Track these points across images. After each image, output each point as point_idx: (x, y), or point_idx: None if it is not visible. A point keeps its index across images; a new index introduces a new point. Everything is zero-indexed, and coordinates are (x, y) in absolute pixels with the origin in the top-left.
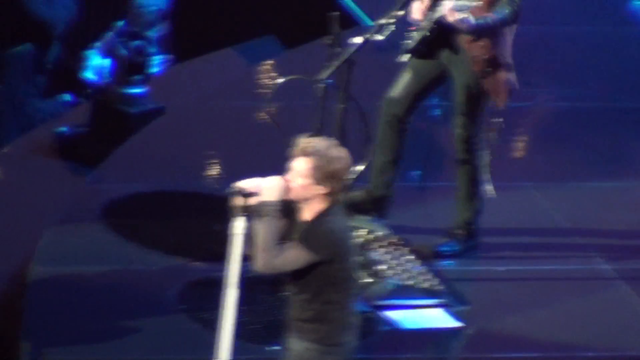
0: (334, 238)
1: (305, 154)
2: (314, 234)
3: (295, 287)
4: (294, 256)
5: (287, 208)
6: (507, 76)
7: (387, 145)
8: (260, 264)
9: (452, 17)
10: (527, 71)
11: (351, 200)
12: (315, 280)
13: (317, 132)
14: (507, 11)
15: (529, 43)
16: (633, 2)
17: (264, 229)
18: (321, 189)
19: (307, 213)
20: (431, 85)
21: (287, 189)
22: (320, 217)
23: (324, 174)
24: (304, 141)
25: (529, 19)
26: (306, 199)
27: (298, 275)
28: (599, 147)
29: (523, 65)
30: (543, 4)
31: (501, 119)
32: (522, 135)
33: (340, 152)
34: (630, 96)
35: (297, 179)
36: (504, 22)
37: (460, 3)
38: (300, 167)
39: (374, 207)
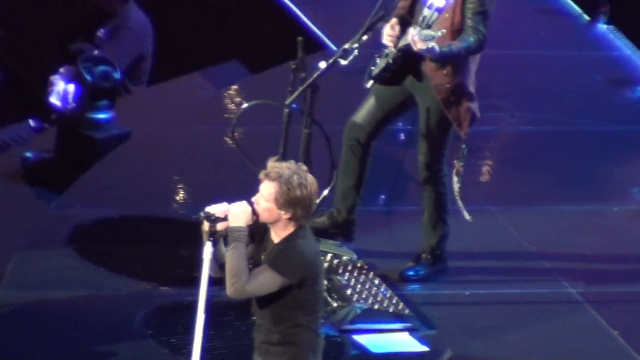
0: (305, 261)
1: (270, 178)
2: (284, 257)
3: (262, 310)
4: (265, 281)
5: (257, 229)
6: (469, 105)
7: (350, 170)
8: (232, 290)
9: (419, 46)
10: (492, 95)
11: (315, 225)
12: (284, 303)
13: (282, 157)
14: (472, 40)
15: (494, 67)
16: (597, 26)
17: (233, 255)
18: (284, 214)
19: (276, 235)
20: (395, 111)
21: (255, 213)
22: (290, 240)
23: (286, 200)
24: (271, 165)
25: (494, 43)
26: (272, 222)
27: (266, 298)
28: (564, 170)
29: (488, 89)
30: (508, 28)
31: (465, 145)
32: (487, 159)
33: (305, 179)
34: (594, 119)
35: (262, 202)
36: (469, 51)
37: (425, 32)
38: (264, 191)
39: (338, 231)
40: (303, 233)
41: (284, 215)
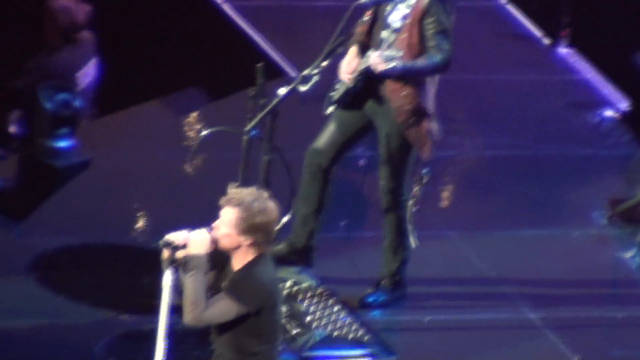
0: (263, 289)
1: (231, 204)
2: (242, 285)
3: (221, 338)
4: (223, 309)
5: (218, 256)
6: (430, 127)
7: (311, 196)
8: (189, 318)
9: (381, 67)
10: (453, 120)
11: (275, 251)
12: (242, 331)
13: (241, 184)
14: (438, 58)
15: (453, 91)
16: (558, 50)
17: (192, 283)
18: (244, 240)
19: (236, 262)
20: (356, 136)
21: (215, 240)
22: (249, 267)
23: (247, 226)
24: (232, 191)
25: (453, 68)
26: (233, 249)
27: (224, 326)
28: (524, 195)
29: (448, 113)
30: (467, 52)
31: (426, 170)
32: (447, 184)
33: (266, 205)
34: (555, 143)
35: (222, 228)
36: (435, 69)
37: (386, 53)
38: (225, 217)
39: (298, 258)
40: (263, 260)
41: (245, 241)
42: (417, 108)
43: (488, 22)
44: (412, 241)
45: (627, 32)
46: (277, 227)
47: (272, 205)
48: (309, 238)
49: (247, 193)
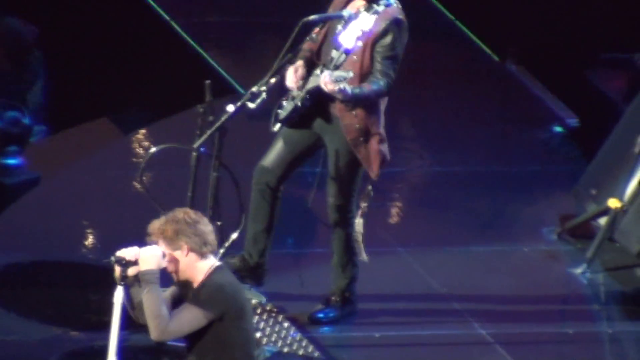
0: (223, 294)
1: (153, 237)
2: (203, 292)
3: (194, 354)
4: (186, 317)
5: (178, 282)
6: (379, 147)
7: (260, 214)
8: (156, 333)
9: (331, 87)
10: (401, 136)
11: (229, 264)
12: (213, 343)
13: (190, 201)
14: (382, 83)
15: (402, 107)
16: (507, 67)
17: (150, 298)
18: (181, 252)
19: (195, 281)
20: (304, 154)
21: (164, 257)
22: (207, 277)
23: (168, 239)
24: (149, 229)
25: (402, 83)
26: (185, 271)
27: (195, 340)
28: (473, 211)
29: (397, 130)
30: (416, 67)
31: (370, 187)
32: (396, 201)
33: (173, 213)
34: (504, 160)
35: (164, 260)
36: (379, 94)
37: (337, 74)
38: (160, 250)
39: (249, 275)
40: (219, 270)
41: (181, 253)
42: (366, 127)
43: (437, 38)
44: (363, 257)
45: (576, 49)
46: (208, 229)
47: (181, 210)
48: (260, 256)
49: (158, 220)
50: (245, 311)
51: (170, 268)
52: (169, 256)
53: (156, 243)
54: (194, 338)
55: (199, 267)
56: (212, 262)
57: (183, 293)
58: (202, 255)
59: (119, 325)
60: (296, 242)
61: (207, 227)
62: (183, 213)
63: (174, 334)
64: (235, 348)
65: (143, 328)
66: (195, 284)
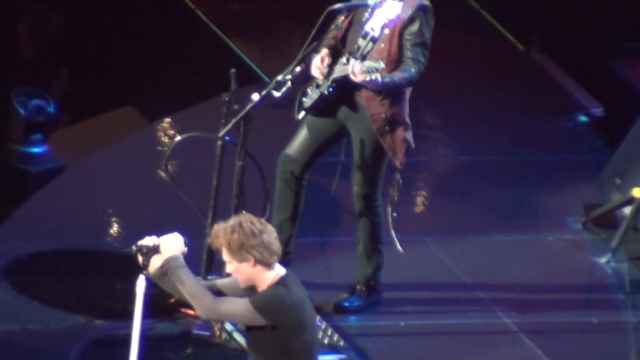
0: (282, 305)
1: (216, 244)
2: (263, 296)
3: (253, 352)
4: (238, 307)
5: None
6: (405, 135)
7: (285, 203)
8: (201, 310)
9: (362, 78)
10: (426, 125)
11: None
12: (269, 347)
13: (215, 190)
14: (413, 71)
15: (427, 96)
16: (531, 55)
17: (181, 280)
18: (247, 265)
19: (260, 288)
20: (328, 142)
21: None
22: (271, 286)
23: (234, 251)
24: (212, 234)
25: (428, 72)
26: (251, 280)
27: (252, 335)
28: (498, 200)
29: (421, 118)
30: (440, 57)
31: (399, 176)
32: (421, 190)
33: (239, 221)
34: (528, 149)
35: (229, 268)
36: (411, 82)
37: (368, 64)
38: (224, 257)
39: None
40: (287, 281)
41: (248, 264)
42: (393, 115)
43: (461, 26)
44: (398, 247)
45: (600, 38)
46: (273, 237)
47: (246, 219)
48: (285, 245)
49: (223, 223)
50: (306, 326)
51: (242, 280)
52: (235, 267)
53: (220, 251)
54: (251, 334)
55: (264, 277)
56: (278, 271)
57: (245, 291)
58: (269, 266)
59: (143, 314)
60: (321, 231)
61: (272, 236)
62: (249, 223)
63: (221, 315)
64: (291, 357)
65: (167, 317)
66: (259, 290)
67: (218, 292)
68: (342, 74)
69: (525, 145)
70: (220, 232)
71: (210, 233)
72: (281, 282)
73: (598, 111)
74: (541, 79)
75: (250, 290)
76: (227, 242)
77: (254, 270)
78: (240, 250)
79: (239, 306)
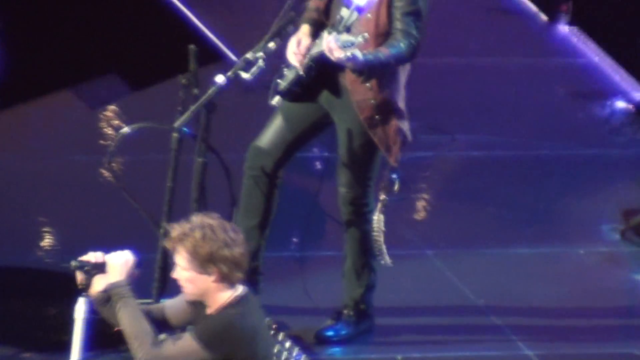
0: (232, 335)
1: (176, 242)
2: (209, 326)
3: None
4: (182, 347)
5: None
6: (399, 125)
7: (253, 206)
8: (141, 355)
9: (337, 55)
10: (430, 113)
11: None
12: None
13: (170, 192)
14: (402, 46)
15: (432, 78)
16: (557, 29)
17: (125, 316)
18: (208, 277)
19: (210, 308)
20: (308, 134)
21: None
22: (222, 309)
23: (200, 260)
24: (172, 228)
25: (431, 50)
26: (203, 295)
27: None
28: (517, 205)
29: (424, 105)
30: (448, 31)
31: (395, 175)
32: (423, 192)
33: (212, 228)
34: (555, 142)
35: (181, 275)
36: (400, 59)
37: (344, 38)
38: (178, 260)
39: None
40: (244, 302)
41: (209, 278)
42: (384, 102)
43: None
44: (386, 260)
45: None
46: (244, 250)
47: (221, 223)
48: (253, 258)
49: (189, 222)
50: (259, 358)
51: (191, 292)
52: (190, 276)
53: (174, 250)
54: None
55: (220, 296)
56: (235, 291)
57: (192, 310)
58: (231, 284)
59: (83, 345)
60: (299, 243)
61: (243, 248)
62: (223, 231)
63: (163, 359)
64: None
65: (111, 348)
66: (209, 311)
67: (164, 320)
68: (320, 50)
69: (550, 137)
70: (187, 234)
71: (170, 230)
72: (236, 304)
73: (639, 95)
74: (570, 57)
75: (194, 306)
76: (193, 248)
77: (212, 285)
78: (206, 261)
79: (182, 346)
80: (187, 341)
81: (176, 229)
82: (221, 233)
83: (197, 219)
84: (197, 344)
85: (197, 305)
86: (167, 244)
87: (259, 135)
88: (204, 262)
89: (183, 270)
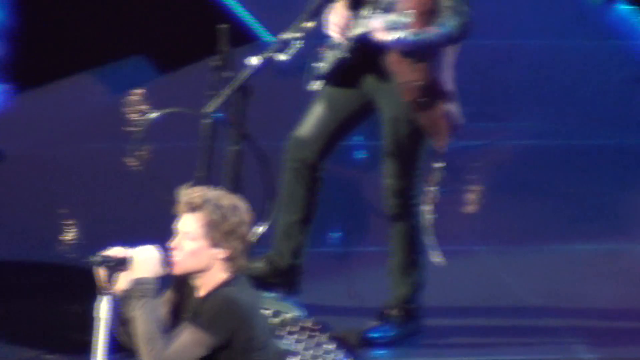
0: (234, 313)
1: (193, 208)
2: (208, 309)
3: None
4: (186, 341)
5: (178, 282)
6: (448, 108)
7: (294, 201)
8: (149, 359)
9: (384, 37)
10: (481, 99)
11: (252, 271)
12: None
13: (203, 182)
14: (454, 24)
15: (481, 62)
16: (615, 9)
17: (142, 316)
18: (219, 253)
19: (202, 289)
20: (351, 121)
21: (168, 262)
22: (217, 289)
23: (221, 232)
24: (188, 192)
25: (481, 31)
26: (199, 271)
27: None
28: (576, 198)
29: (474, 91)
30: (500, 12)
31: (442, 164)
32: (473, 184)
33: (236, 201)
34: (615, 131)
35: (185, 244)
36: (452, 38)
37: (390, 19)
38: (188, 227)
39: (280, 280)
40: (238, 282)
41: (219, 254)
42: (430, 84)
43: None
44: (435, 257)
45: None
46: (252, 237)
47: (241, 202)
48: (294, 255)
49: (207, 191)
50: (260, 339)
51: (188, 265)
52: (198, 248)
53: (180, 215)
54: None
55: (216, 277)
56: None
57: (182, 302)
58: (232, 269)
59: (106, 346)
60: (342, 238)
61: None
62: (246, 211)
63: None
64: None
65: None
66: (202, 293)
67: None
68: (363, 30)
69: (611, 126)
70: (212, 202)
71: (185, 193)
72: (231, 282)
73: None
74: (629, 38)
75: (185, 293)
76: (217, 219)
77: (216, 263)
78: (226, 236)
79: (184, 340)
80: (187, 333)
81: (196, 194)
82: (247, 214)
83: (215, 189)
84: (199, 331)
85: (182, 290)
86: (181, 208)
87: (299, 124)
88: (221, 236)
89: (190, 240)
